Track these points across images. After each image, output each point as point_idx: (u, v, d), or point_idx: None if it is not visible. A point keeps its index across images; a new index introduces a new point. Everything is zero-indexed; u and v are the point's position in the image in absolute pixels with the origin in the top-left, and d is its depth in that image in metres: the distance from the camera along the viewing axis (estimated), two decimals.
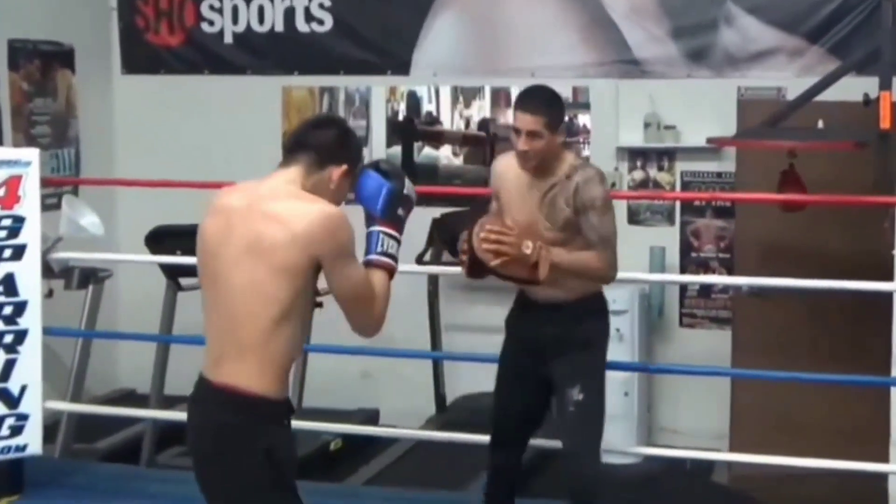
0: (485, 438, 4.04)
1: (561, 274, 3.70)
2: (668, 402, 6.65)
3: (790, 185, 5.27)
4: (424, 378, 6.61)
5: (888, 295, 4.72)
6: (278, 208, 2.82)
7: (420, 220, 6.45)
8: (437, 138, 6.98)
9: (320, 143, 2.93)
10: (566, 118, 4.00)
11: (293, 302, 2.81)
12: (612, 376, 6.21)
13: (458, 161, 6.96)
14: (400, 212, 2.97)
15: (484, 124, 6.92)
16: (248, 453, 2.80)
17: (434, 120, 7.00)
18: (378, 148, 6.98)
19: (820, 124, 5.27)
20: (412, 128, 6.98)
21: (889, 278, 4.63)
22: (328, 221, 2.80)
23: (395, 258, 2.93)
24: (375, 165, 3.02)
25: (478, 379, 6.58)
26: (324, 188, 2.91)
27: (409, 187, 3.00)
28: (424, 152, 7.02)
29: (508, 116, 6.80)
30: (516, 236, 3.65)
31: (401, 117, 7.02)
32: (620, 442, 5.94)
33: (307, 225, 2.79)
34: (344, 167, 2.92)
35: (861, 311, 5.63)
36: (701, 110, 6.44)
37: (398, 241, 2.96)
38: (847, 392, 5.66)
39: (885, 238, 4.76)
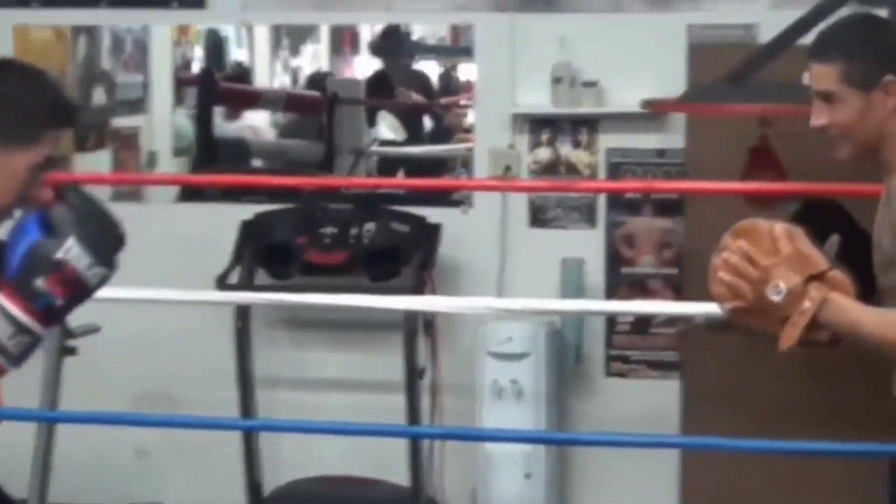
0: None
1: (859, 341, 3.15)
2: (589, 486, 6.71)
3: (762, 167, 5.38)
4: (230, 457, 6.55)
5: None
6: None
7: (224, 225, 6.41)
8: (249, 100, 6.95)
9: None
10: None
11: None
12: (507, 450, 6.25)
13: (272, 135, 6.95)
14: (40, 285, 2.77)
15: (319, 79, 6.90)
16: None
17: (245, 73, 6.97)
18: (161, 115, 6.90)
19: (806, 79, 5.32)
20: (211, 85, 6.93)
21: None
22: None
23: (2, 348, 2.77)
24: (62, 203, 2.83)
25: (308, 457, 6.59)
26: None
27: (75, 257, 2.78)
28: (227, 123, 6.97)
29: (354, 67, 6.77)
30: (766, 267, 3.07)
31: (196, 70, 6.97)
32: None
33: None
34: None
35: None
36: (635, 59, 6.50)
37: (24, 331, 2.78)
38: (854, 468, 5.71)
39: None
